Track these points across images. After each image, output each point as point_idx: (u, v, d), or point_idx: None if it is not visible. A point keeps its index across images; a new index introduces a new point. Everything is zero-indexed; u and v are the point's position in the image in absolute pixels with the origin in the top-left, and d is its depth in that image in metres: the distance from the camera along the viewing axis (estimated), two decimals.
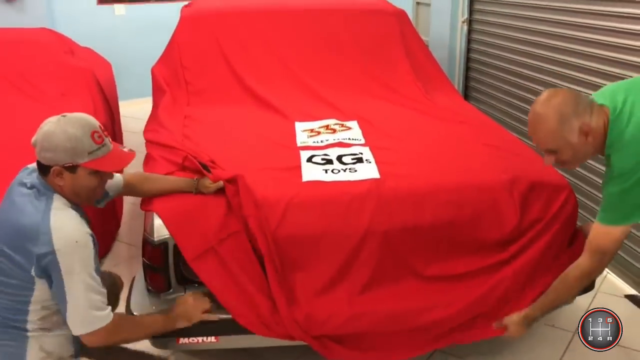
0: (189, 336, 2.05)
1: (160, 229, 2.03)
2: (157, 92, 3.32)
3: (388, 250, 2.09)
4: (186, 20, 3.50)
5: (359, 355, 2.04)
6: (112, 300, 2.02)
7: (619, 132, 1.72)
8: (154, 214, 2.06)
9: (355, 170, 2.30)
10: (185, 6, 3.75)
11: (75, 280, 1.63)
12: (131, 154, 1.80)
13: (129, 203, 3.62)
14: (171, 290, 2.10)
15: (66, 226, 1.63)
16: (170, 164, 2.32)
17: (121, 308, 2.15)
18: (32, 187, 1.68)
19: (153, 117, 3.07)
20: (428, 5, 5.38)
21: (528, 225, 2.19)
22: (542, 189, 2.22)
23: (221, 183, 2.10)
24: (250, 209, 2.04)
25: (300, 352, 2.31)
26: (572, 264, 1.92)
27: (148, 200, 2.13)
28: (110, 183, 1.94)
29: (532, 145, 2.00)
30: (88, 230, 1.69)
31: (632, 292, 2.92)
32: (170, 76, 3.31)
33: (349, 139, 2.65)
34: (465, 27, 4.79)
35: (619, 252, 1.86)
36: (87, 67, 3.95)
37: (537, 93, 3.73)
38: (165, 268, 2.06)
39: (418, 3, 5.85)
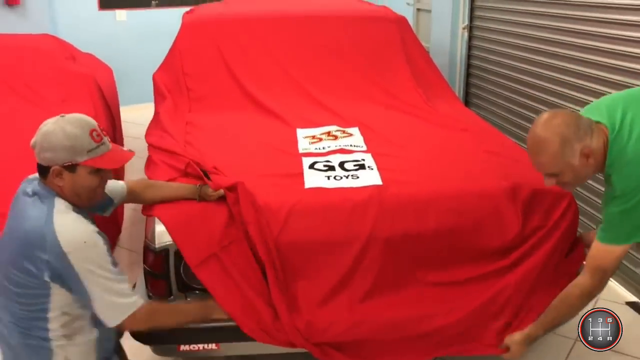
0: (189, 343, 2.05)
1: (161, 236, 2.03)
2: (159, 98, 3.33)
3: (390, 257, 2.09)
4: (188, 27, 3.51)
5: None
6: None
7: (618, 151, 1.70)
8: (156, 220, 2.06)
9: (358, 177, 2.30)
10: (187, 13, 3.76)
11: (94, 279, 1.61)
12: (130, 153, 1.78)
13: (130, 209, 3.63)
14: (172, 297, 2.09)
15: (71, 228, 1.61)
16: (172, 170, 2.32)
17: None
18: (33, 194, 1.66)
19: (155, 123, 3.07)
20: (429, 12, 5.40)
21: (530, 233, 2.19)
22: (543, 196, 2.22)
23: (222, 191, 2.10)
24: (251, 216, 2.04)
25: (301, 359, 2.31)
26: (572, 282, 1.91)
27: (150, 205, 2.13)
28: (114, 190, 1.94)
29: None
30: (94, 228, 1.67)
31: (634, 299, 2.92)
32: (172, 83, 3.31)
33: (351, 145, 2.65)
34: (466, 34, 4.80)
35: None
36: (89, 73, 3.95)
37: (537, 100, 3.77)
38: (166, 275, 2.06)
39: (419, 10, 5.87)
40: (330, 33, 3.55)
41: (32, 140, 1.65)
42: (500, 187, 2.22)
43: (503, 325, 2.09)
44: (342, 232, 2.07)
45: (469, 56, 4.86)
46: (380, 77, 3.43)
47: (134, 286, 2.02)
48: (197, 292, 2.08)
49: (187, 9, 3.94)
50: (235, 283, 1.99)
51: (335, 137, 2.77)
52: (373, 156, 2.50)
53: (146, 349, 2.05)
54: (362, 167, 2.40)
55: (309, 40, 3.50)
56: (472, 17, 4.76)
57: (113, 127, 3.83)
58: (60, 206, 1.64)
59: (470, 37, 4.81)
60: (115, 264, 1.69)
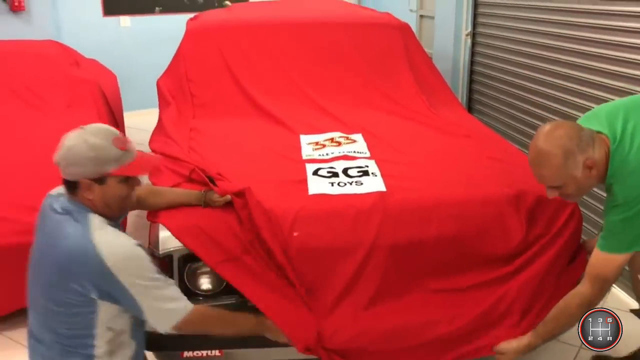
0: (193, 350, 2.04)
1: (165, 242, 2.02)
2: (163, 104, 3.34)
3: (393, 263, 2.09)
4: (192, 33, 3.52)
5: None
6: None
7: (620, 161, 1.69)
8: (160, 227, 2.06)
9: (362, 184, 2.30)
10: (191, 19, 3.77)
11: (143, 291, 1.61)
12: (156, 157, 1.78)
13: (133, 215, 3.61)
14: None
15: (112, 244, 1.59)
16: (176, 176, 2.32)
17: None
18: (65, 211, 1.63)
19: (159, 129, 3.08)
20: (432, 18, 5.41)
21: (533, 240, 2.19)
22: (547, 203, 2.21)
23: (229, 197, 2.10)
24: (262, 221, 2.04)
25: None
26: (572, 292, 1.90)
27: (155, 212, 2.12)
28: None
29: None
30: (134, 241, 1.65)
31: (637, 306, 2.90)
32: (176, 89, 3.32)
33: (354, 151, 2.65)
34: (469, 40, 4.81)
35: (625, 266, 1.85)
36: (93, 79, 3.98)
37: (540, 106, 3.77)
38: None
39: (422, 16, 5.89)
40: (333, 39, 3.56)
41: (55, 157, 1.62)
42: (504, 194, 2.22)
43: (505, 331, 2.08)
44: (346, 239, 2.07)
45: (472, 62, 4.86)
46: (383, 84, 3.43)
47: None
48: (200, 298, 2.08)
49: (191, 15, 3.95)
50: (263, 284, 1.99)
51: (339, 144, 2.77)
52: (377, 162, 2.50)
53: (149, 355, 2.05)
54: (365, 173, 2.40)
55: (312, 47, 3.50)
56: (475, 24, 4.77)
57: None
58: (96, 221, 1.62)
59: (473, 44, 4.81)
60: (159, 271, 1.68)
